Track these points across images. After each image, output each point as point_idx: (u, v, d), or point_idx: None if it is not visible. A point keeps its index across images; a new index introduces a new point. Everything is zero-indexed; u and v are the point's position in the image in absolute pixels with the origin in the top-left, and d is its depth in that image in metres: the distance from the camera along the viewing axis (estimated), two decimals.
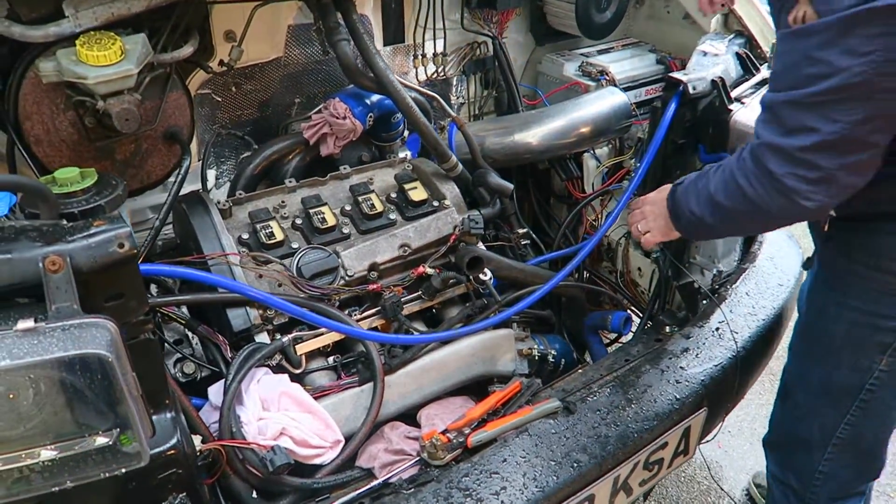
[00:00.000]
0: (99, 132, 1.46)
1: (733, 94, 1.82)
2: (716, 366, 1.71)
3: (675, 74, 1.79)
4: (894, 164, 1.21)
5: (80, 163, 1.47)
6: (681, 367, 1.69)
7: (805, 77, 1.10)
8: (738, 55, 2.00)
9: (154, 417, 1.20)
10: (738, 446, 2.70)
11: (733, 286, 1.96)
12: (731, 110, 1.77)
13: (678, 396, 1.62)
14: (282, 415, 1.41)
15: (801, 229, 1.68)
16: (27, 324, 0.96)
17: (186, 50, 1.53)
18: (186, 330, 1.60)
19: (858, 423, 1.51)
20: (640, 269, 2.21)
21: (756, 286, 1.98)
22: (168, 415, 1.24)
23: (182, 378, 1.60)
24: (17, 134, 1.42)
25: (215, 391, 1.47)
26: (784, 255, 2.16)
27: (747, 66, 1.99)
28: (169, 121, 1.57)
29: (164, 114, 1.55)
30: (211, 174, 1.90)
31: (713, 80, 1.79)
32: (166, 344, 1.58)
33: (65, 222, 1.08)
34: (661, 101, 1.82)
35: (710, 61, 1.90)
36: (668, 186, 1.58)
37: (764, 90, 1.83)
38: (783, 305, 1.95)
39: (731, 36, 2.09)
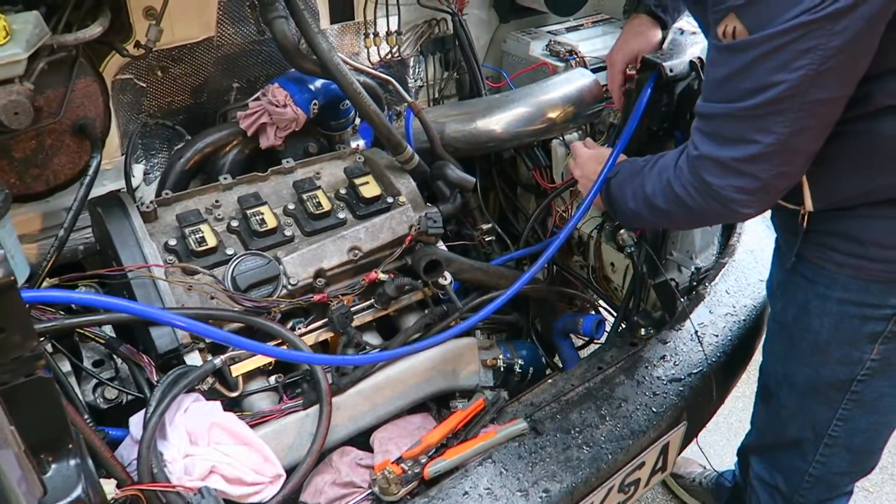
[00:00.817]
0: None
1: None
2: (695, 375, 1.58)
3: (651, 56, 1.62)
4: (883, 151, 1.19)
5: None
6: (658, 378, 1.56)
7: (740, 90, 1.11)
8: None
9: (53, 467, 1.03)
10: (715, 442, 2.60)
11: (712, 284, 1.83)
12: None
13: (656, 411, 1.49)
14: (212, 450, 1.24)
15: None
16: None
17: (94, 30, 1.32)
18: (107, 349, 1.42)
19: (851, 418, 1.42)
20: (613, 264, 2.07)
21: (736, 283, 1.86)
22: (71, 462, 1.06)
23: (104, 405, 1.42)
24: None
25: (137, 422, 1.29)
26: (764, 246, 2.03)
27: None
28: (77, 112, 1.37)
29: (70, 104, 1.35)
30: (138, 169, 1.70)
31: (692, 62, 1.64)
32: (83, 368, 1.39)
33: None
34: (635, 84, 1.67)
35: (689, 40, 1.74)
36: (596, 156, 1.60)
37: None
38: (764, 303, 1.83)
39: None
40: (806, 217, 1.30)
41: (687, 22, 1.82)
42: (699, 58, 1.64)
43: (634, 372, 1.58)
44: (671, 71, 1.60)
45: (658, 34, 1.70)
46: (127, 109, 1.63)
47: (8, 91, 1.13)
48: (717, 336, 1.68)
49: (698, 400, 1.58)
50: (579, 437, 1.40)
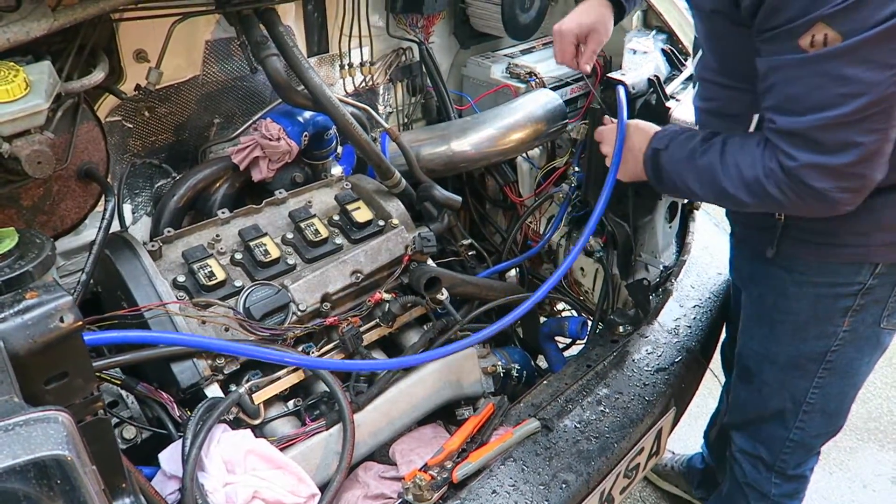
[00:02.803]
0: (0, 177, 1.25)
1: (667, 90, 1.84)
2: (677, 363, 1.73)
3: (614, 74, 1.78)
4: None
5: None
6: (645, 370, 1.70)
7: (837, 97, 1.12)
8: (663, 51, 2.02)
9: None
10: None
11: (677, 280, 2.00)
12: (668, 108, 1.78)
13: (648, 399, 1.62)
14: (250, 476, 1.28)
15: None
16: None
17: (97, 76, 1.34)
18: (121, 390, 1.43)
19: (825, 385, 1.58)
20: (582, 269, 2.21)
21: (698, 278, 2.03)
22: (127, 500, 1.09)
23: (122, 444, 1.42)
24: None
25: (168, 457, 1.31)
26: (716, 242, 2.22)
27: (673, 62, 2.02)
28: (82, 157, 1.38)
29: (75, 149, 1.36)
30: (126, 209, 1.70)
31: (649, 79, 1.80)
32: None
33: None
34: (601, 103, 1.81)
35: (642, 59, 1.91)
36: (644, 129, 1.56)
37: (690, 89, 1.88)
38: (725, 293, 2.01)
39: (653, 32, 2.12)
40: (783, 214, 1.43)
41: (637, 42, 2.00)
42: (655, 76, 1.80)
43: (623, 366, 1.71)
44: (633, 88, 1.76)
45: (611, 22, 1.73)
46: (115, 151, 1.63)
47: (30, 141, 1.14)
48: (690, 327, 1.83)
49: (682, 386, 1.72)
50: (586, 430, 1.51)
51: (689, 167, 1.42)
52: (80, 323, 0.91)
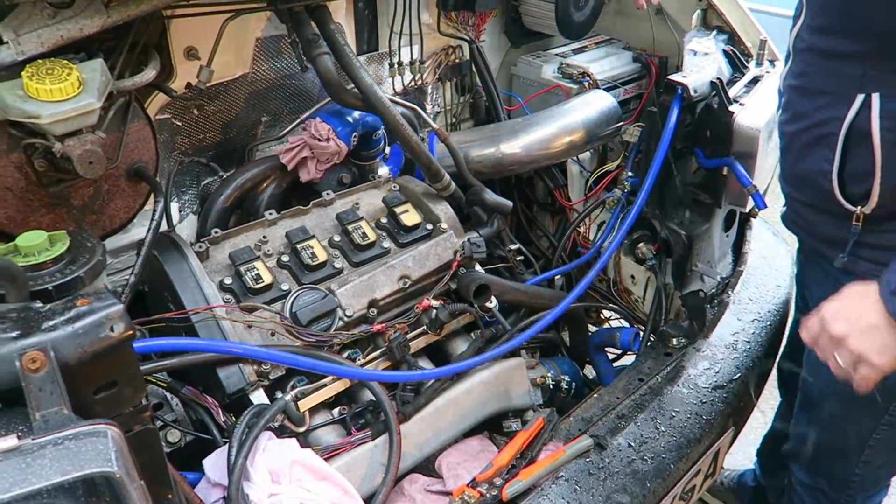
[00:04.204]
0: (52, 176, 1.23)
1: (730, 93, 1.75)
2: (736, 381, 1.65)
3: (675, 77, 1.70)
4: None
5: (30, 213, 1.25)
6: (703, 387, 1.62)
7: None
8: (725, 52, 1.93)
9: None
10: None
11: (734, 292, 1.91)
12: (732, 112, 1.70)
13: (706, 419, 1.55)
14: (296, 487, 1.24)
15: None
16: (9, 442, 0.77)
17: (148, 74, 1.32)
18: (167, 392, 1.41)
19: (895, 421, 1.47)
20: (633, 276, 2.14)
21: (757, 290, 1.94)
22: None
23: (166, 447, 1.40)
24: None
25: (212, 464, 1.28)
26: (774, 253, 2.13)
27: (736, 63, 1.93)
28: (132, 155, 1.36)
29: (126, 148, 1.34)
30: (173, 207, 1.68)
31: (712, 82, 1.72)
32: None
33: (38, 304, 0.88)
34: (658, 106, 1.74)
35: (703, 61, 1.83)
36: (858, 289, 1.14)
37: (760, 87, 1.79)
38: (785, 308, 1.92)
39: (714, 33, 2.03)
40: (861, 219, 1.26)
41: (698, 43, 1.91)
42: (718, 78, 1.72)
43: (677, 381, 1.64)
44: (695, 91, 1.68)
45: None
46: (163, 148, 1.61)
47: (83, 141, 1.12)
48: (748, 343, 1.75)
49: (740, 405, 1.64)
50: (641, 449, 1.45)
51: None
52: (131, 332, 0.88)
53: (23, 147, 1.17)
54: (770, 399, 2.18)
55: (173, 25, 1.45)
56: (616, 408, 1.59)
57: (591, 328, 2.29)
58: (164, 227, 1.58)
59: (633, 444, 1.46)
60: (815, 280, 1.55)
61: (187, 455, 1.41)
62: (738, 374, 1.66)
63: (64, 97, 1.08)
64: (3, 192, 1.22)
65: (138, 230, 1.54)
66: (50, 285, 0.96)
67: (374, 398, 1.42)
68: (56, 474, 0.76)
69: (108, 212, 1.36)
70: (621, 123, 1.96)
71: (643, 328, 2.01)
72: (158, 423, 1.38)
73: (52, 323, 0.85)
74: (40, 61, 1.11)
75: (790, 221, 1.53)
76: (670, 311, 1.98)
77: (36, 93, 1.07)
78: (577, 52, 2.24)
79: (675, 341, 1.81)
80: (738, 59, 1.93)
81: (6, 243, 1.26)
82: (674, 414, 1.54)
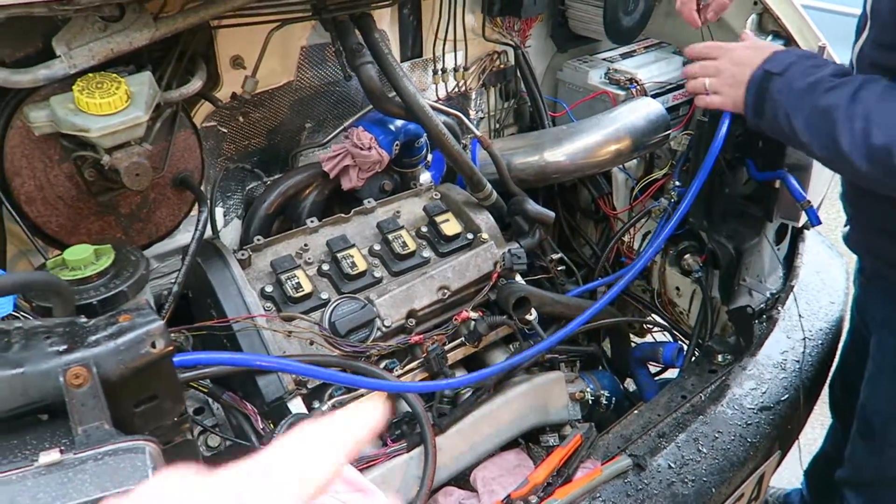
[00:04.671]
0: (101, 185, 1.27)
1: None
2: (784, 402, 1.59)
3: None
4: None
5: (80, 221, 1.29)
6: (748, 407, 1.57)
7: None
8: None
9: None
10: None
11: (784, 308, 1.84)
12: None
13: (751, 441, 1.50)
14: (331, 498, 1.25)
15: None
16: (51, 456, 0.79)
17: (195, 84, 1.34)
18: (208, 397, 1.43)
19: None
20: (678, 288, 2.09)
21: (808, 306, 1.87)
22: None
23: (207, 452, 1.43)
24: (4, 192, 1.22)
25: None
26: (828, 267, 2.05)
27: None
28: (178, 165, 1.38)
29: (172, 157, 1.36)
30: (218, 212, 1.71)
31: None
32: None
33: (83, 319, 0.90)
34: (708, 116, 1.68)
35: None
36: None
37: None
38: (838, 326, 1.84)
39: (770, 38, 1.95)
40: None
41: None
42: None
43: (721, 400, 1.59)
44: None
45: None
46: (209, 155, 1.64)
47: (129, 153, 1.15)
48: (798, 362, 1.69)
49: (788, 428, 1.59)
50: (682, 471, 1.41)
51: (802, 103, 1.14)
52: (171, 348, 0.89)
53: (73, 158, 1.20)
54: (819, 415, 2.11)
55: (220, 35, 1.46)
56: (657, 426, 1.56)
57: (634, 338, 2.25)
58: (208, 232, 1.61)
59: (673, 465, 1.43)
60: (877, 303, 1.48)
61: (227, 459, 1.43)
62: (787, 396, 1.61)
63: (112, 111, 1.11)
64: (55, 200, 1.25)
65: (184, 235, 1.56)
66: (94, 299, 0.99)
67: (410, 409, 1.42)
68: (96, 490, 0.77)
69: (155, 220, 1.38)
70: (669, 131, 1.91)
71: (686, 342, 1.96)
72: (199, 429, 1.41)
73: (95, 338, 0.87)
74: (90, 75, 1.14)
75: (853, 243, 1.47)
76: (716, 326, 1.93)
77: (86, 106, 1.09)
78: (625, 56, 2.19)
79: (720, 358, 1.76)
80: None
81: (57, 250, 1.30)
82: (717, 435, 1.50)
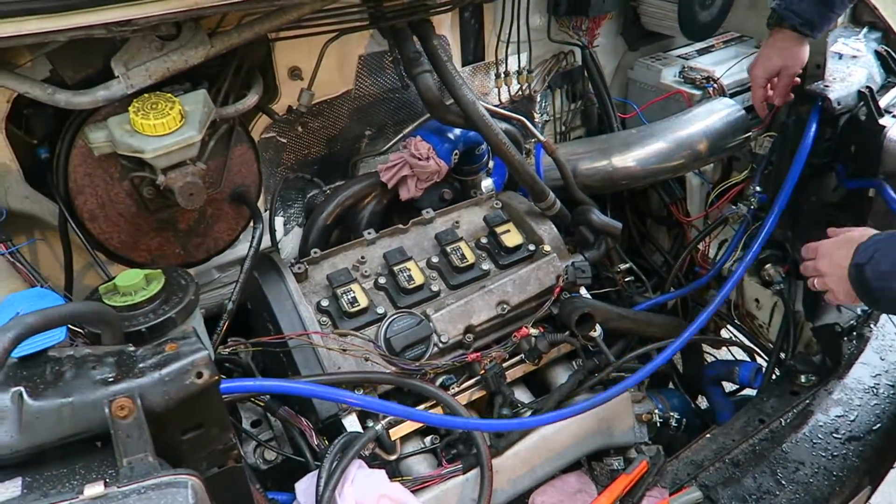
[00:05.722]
0: (159, 202, 1.28)
1: (881, 103, 1.54)
2: (875, 432, 1.46)
3: (815, 86, 1.51)
4: None
5: (140, 237, 1.31)
6: (834, 437, 1.45)
7: None
8: (877, 54, 1.70)
9: None
10: None
11: (878, 326, 1.69)
12: (882, 126, 1.49)
13: (837, 475, 1.38)
14: None
15: None
16: (96, 489, 0.79)
17: (251, 99, 1.34)
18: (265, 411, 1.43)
19: None
20: (757, 300, 1.95)
21: None
22: None
23: (263, 465, 1.43)
24: (69, 209, 1.25)
25: (303, 489, 1.29)
26: None
27: (889, 66, 1.70)
28: (235, 180, 1.38)
29: (229, 172, 1.36)
30: (278, 221, 1.71)
31: (860, 92, 1.51)
32: (243, 429, 1.41)
33: (131, 348, 0.90)
34: (794, 118, 1.56)
35: (849, 65, 1.62)
36: (845, 240, 1.27)
37: None
38: None
39: (865, 30, 1.79)
40: None
41: (845, 44, 1.70)
42: (868, 87, 1.51)
43: (804, 427, 1.47)
44: (838, 103, 1.49)
45: (804, 51, 1.56)
46: (269, 165, 1.64)
47: (183, 173, 1.15)
48: (893, 386, 1.55)
49: (879, 461, 1.45)
50: None
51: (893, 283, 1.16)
52: (217, 378, 0.88)
53: (130, 177, 1.21)
54: None
55: (277, 47, 1.45)
56: (731, 453, 1.46)
57: (707, 348, 2.13)
58: (267, 242, 1.62)
59: (748, 498, 1.33)
60: None
61: (285, 471, 1.44)
62: (878, 425, 1.47)
63: (166, 131, 1.11)
64: (116, 218, 1.28)
65: (243, 246, 1.57)
66: (143, 326, 0.99)
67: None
68: None
69: (212, 234, 1.39)
70: (749, 134, 1.78)
71: (765, 357, 1.83)
72: (253, 443, 1.41)
73: (142, 368, 0.86)
74: (146, 95, 1.14)
75: None
76: (799, 343, 1.79)
77: (141, 128, 1.10)
78: (701, 52, 2.06)
79: (803, 378, 1.63)
80: (893, 61, 1.70)
81: (119, 264, 1.32)
82: (798, 466, 1.39)
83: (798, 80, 1.57)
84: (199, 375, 0.87)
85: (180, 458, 0.91)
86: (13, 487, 0.79)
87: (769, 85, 1.61)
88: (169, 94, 1.14)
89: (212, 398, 0.91)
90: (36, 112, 1.23)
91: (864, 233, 1.25)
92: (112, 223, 1.27)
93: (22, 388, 0.81)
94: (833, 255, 1.28)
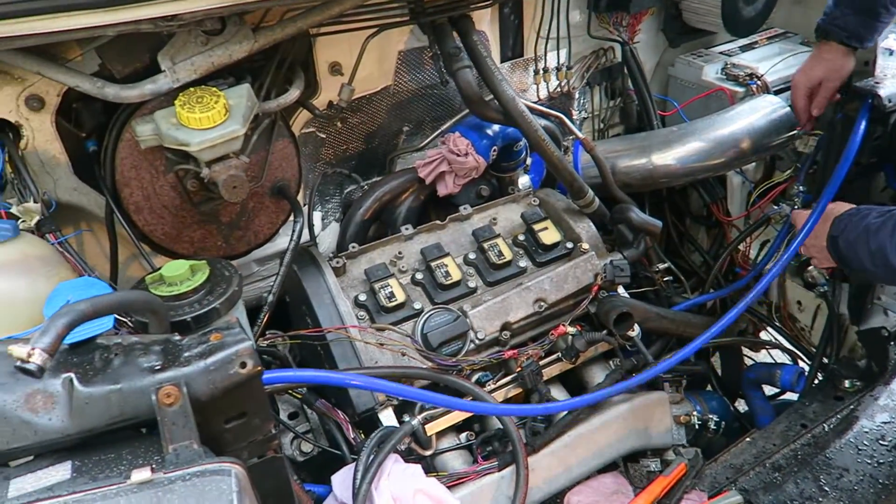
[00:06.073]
0: (202, 195, 1.30)
1: None
2: None
3: (864, 83, 1.47)
4: None
5: (183, 229, 1.33)
6: (880, 444, 1.41)
7: None
8: None
9: None
10: None
11: None
12: None
13: (883, 483, 1.34)
14: None
15: None
16: (143, 474, 0.80)
17: (293, 94, 1.35)
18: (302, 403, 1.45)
19: None
20: (799, 302, 1.91)
21: None
22: None
23: (300, 457, 1.45)
24: (115, 201, 1.27)
25: (340, 481, 1.30)
26: None
27: None
28: (275, 174, 1.40)
29: (270, 166, 1.38)
30: (316, 216, 1.73)
31: None
32: (281, 421, 1.42)
33: (177, 337, 0.92)
34: (842, 116, 1.52)
35: None
36: (829, 213, 1.42)
37: None
38: None
39: None
40: None
41: (894, 39, 1.65)
42: None
43: (849, 434, 1.44)
44: (889, 101, 1.45)
45: (849, 63, 1.55)
46: (308, 160, 1.65)
47: (227, 166, 1.16)
48: None
49: None
50: None
51: (862, 248, 1.31)
52: (260, 369, 0.89)
53: (175, 170, 1.23)
54: None
55: (318, 42, 1.46)
56: (772, 457, 1.43)
57: (747, 351, 2.09)
58: (306, 236, 1.63)
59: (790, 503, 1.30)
60: None
61: (320, 463, 1.45)
62: None
63: (211, 125, 1.12)
64: (160, 210, 1.30)
65: (283, 239, 1.59)
66: (188, 316, 1.00)
67: (501, 426, 1.37)
68: None
69: (253, 227, 1.41)
70: (794, 132, 1.74)
71: (807, 361, 1.79)
72: (291, 436, 1.42)
73: (187, 357, 0.88)
74: (192, 89, 1.16)
75: None
76: (843, 348, 1.74)
77: (187, 121, 1.11)
78: (745, 49, 2.02)
79: (847, 384, 1.60)
80: None
81: (163, 255, 1.34)
82: (842, 473, 1.36)
83: (839, 95, 1.58)
84: (243, 365, 0.88)
85: (223, 446, 0.92)
86: (63, 470, 0.81)
87: (810, 94, 1.62)
88: (214, 88, 1.16)
89: (254, 388, 0.92)
90: (85, 105, 1.26)
91: (840, 207, 1.41)
92: (156, 215, 1.29)
93: (72, 375, 0.83)
94: (815, 228, 1.45)
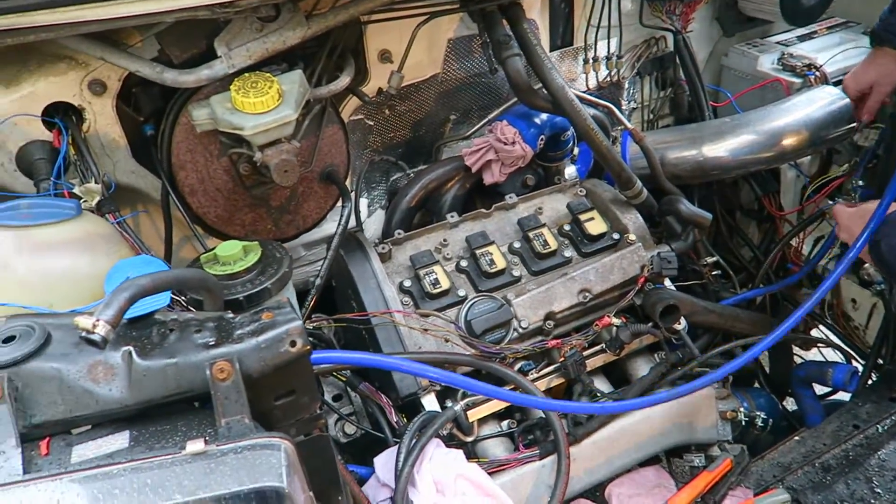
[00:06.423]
0: (255, 179, 1.33)
1: None
2: None
3: None
4: None
5: (235, 212, 1.36)
6: None
7: None
8: None
9: None
10: None
11: None
12: None
13: None
14: (460, 501, 1.24)
15: None
16: (197, 445, 0.82)
17: (343, 80, 1.36)
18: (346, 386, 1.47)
19: None
20: (854, 300, 1.86)
21: None
22: None
23: (343, 439, 1.47)
24: (171, 183, 1.31)
25: (382, 464, 1.32)
26: None
27: None
28: (325, 159, 1.42)
29: (319, 152, 1.40)
30: (362, 203, 1.75)
31: None
32: (325, 402, 1.45)
33: (230, 315, 0.94)
34: None
35: None
36: (861, 213, 1.38)
37: None
38: None
39: None
40: None
41: None
42: None
43: None
44: None
45: None
46: (356, 147, 1.67)
47: (279, 150, 1.18)
48: None
49: None
50: None
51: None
52: (309, 347, 0.91)
53: (229, 154, 1.26)
54: None
55: (369, 30, 1.47)
56: (821, 457, 1.40)
57: (797, 349, 2.04)
58: (352, 223, 1.65)
59: None
60: None
61: (363, 445, 1.47)
62: None
63: (265, 109, 1.14)
64: (214, 193, 1.33)
65: (330, 224, 1.61)
66: (241, 295, 1.03)
67: (544, 415, 1.37)
68: (234, 483, 0.80)
69: (302, 212, 1.43)
70: (853, 125, 1.68)
71: (860, 361, 1.74)
72: (335, 417, 1.45)
73: (240, 334, 0.90)
74: (246, 75, 1.18)
75: None
76: None
77: (241, 106, 1.14)
78: (802, 39, 1.97)
79: None
80: None
81: (216, 238, 1.37)
82: (895, 476, 1.32)
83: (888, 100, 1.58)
84: (293, 344, 0.90)
85: (272, 423, 0.94)
86: (122, 439, 0.84)
87: (860, 97, 1.63)
88: (268, 74, 1.18)
89: (303, 367, 0.94)
90: (143, 90, 1.30)
91: (869, 207, 1.36)
92: (210, 198, 1.32)
93: (131, 348, 0.86)
94: (852, 227, 1.40)
